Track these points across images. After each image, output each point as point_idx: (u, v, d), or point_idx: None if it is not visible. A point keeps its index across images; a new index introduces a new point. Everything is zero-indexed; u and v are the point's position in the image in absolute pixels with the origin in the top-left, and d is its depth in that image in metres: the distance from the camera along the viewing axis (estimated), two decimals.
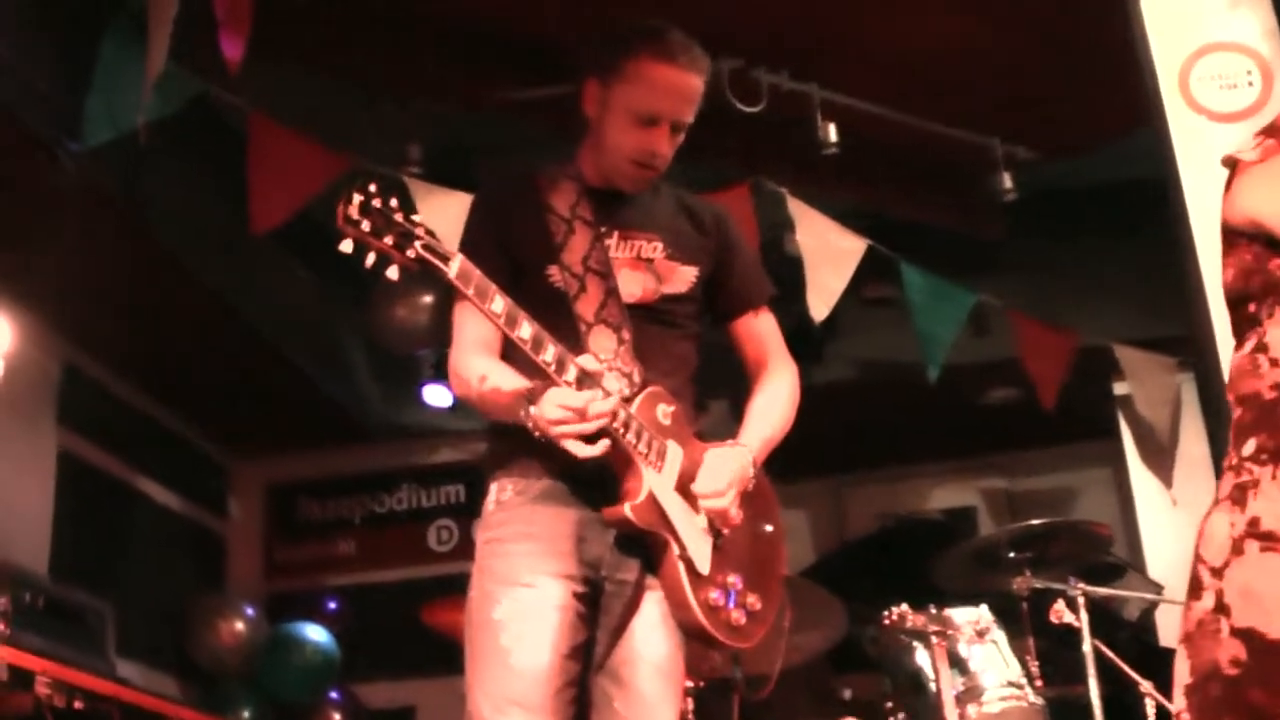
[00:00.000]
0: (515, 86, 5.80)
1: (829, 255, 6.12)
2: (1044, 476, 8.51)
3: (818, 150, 5.82)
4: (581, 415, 2.71)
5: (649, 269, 3.09)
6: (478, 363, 2.97)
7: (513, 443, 2.93)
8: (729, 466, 2.99)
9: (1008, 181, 6.23)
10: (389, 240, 2.54)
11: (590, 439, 2.75)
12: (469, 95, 5.92)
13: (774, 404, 3.22)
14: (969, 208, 6.72)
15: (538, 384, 2.78)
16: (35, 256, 5.53)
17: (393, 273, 2.56)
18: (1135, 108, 4.35)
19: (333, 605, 8.15)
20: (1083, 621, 4.55)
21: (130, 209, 5.71)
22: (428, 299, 6.69)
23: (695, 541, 2.91)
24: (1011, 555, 4.73)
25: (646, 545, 2.90)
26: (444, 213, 5.23)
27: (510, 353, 2.96)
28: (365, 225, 2.52)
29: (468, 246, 3.06)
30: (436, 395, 7.63)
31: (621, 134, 3.04)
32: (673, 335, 3.11)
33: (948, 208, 6.73)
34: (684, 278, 3.12)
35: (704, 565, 2.90)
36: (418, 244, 2.57)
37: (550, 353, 2.74)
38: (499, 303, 2.71)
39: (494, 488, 3.01)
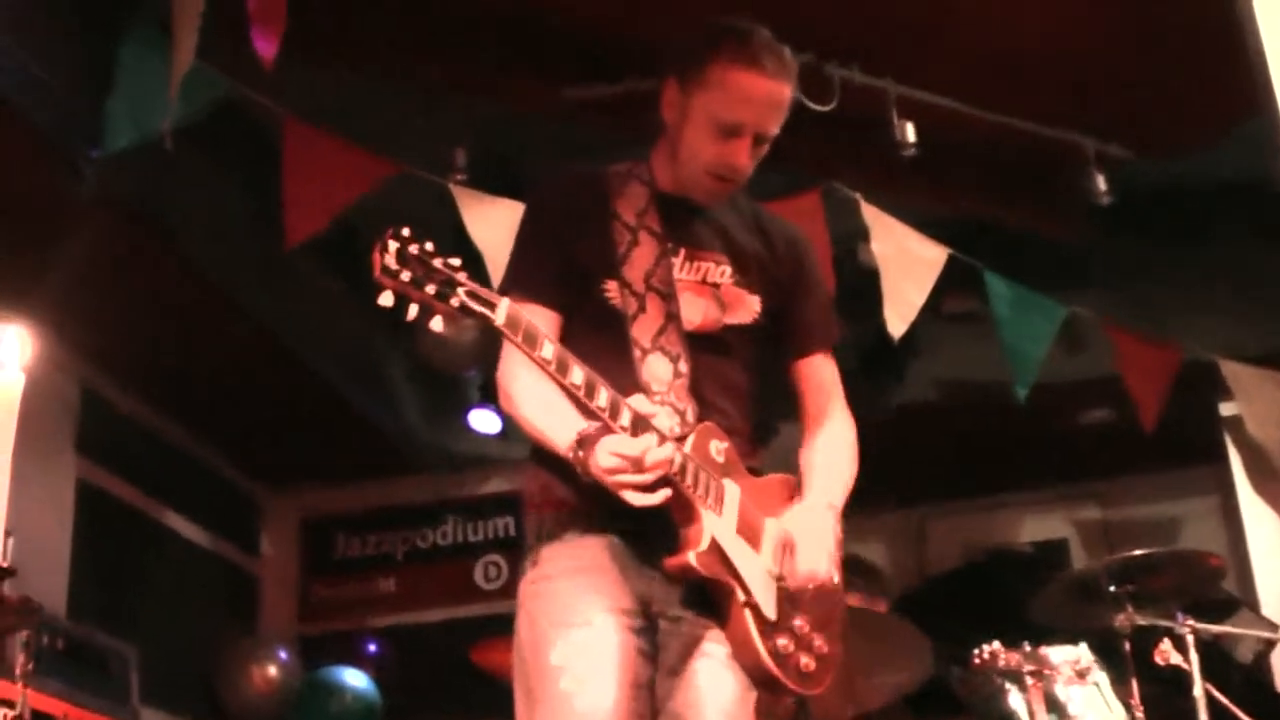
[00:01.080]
0: (570, 85, 5.80)
1: (907, 266, 6.08)
2: (1144, 506, 8.41)
3: (894, 151, 5.77)
4: (638, 465, 2.68)
5: (713, 295, 3.07)
6: (529, 391, 2.92)
7: (553, 472, 2.92)
8: (820, 538, 2.98)
9: (1101, 183, 6.15)
10: (431, 290, 2.50)
11: (649, 487, 2.73)
12: (520, 95, 5.92)
13: (839, 454, 3.19)
14: (1060, 212, 6.65)
15: (589, 431, 2.74)
16: (52, 272, 5.55)
17: (437, 324, 2.53)
18: (1241, 99, 4.29)
19: (373, 648, 8.16)
20: (1192, 663, 4.49)
21: (154, 220, 5.75)
22: None
23: (760, 586, 2.89)
24: (1112, 589, 4.67)
25: (708, 592, 2.88)
26: (491, 222, 5.25)
27: None
28: (405, 275, 2.47)
29: (522, 251, 3.07)
30: (484, 420, 7.63)
31: (700, 143, 3.02)
32: (732, 366, 3.09)
33: (1036, 212, 6.67)
34: (750, 307, 3.10)
35: (771, 610, 2.89)
36: (461, 291, 2.53)
37: (603, 397, 2.70)
38: (549, 349, 2.67)
39: (534, 523, 3.00)
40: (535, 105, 5.93)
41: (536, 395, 2.89)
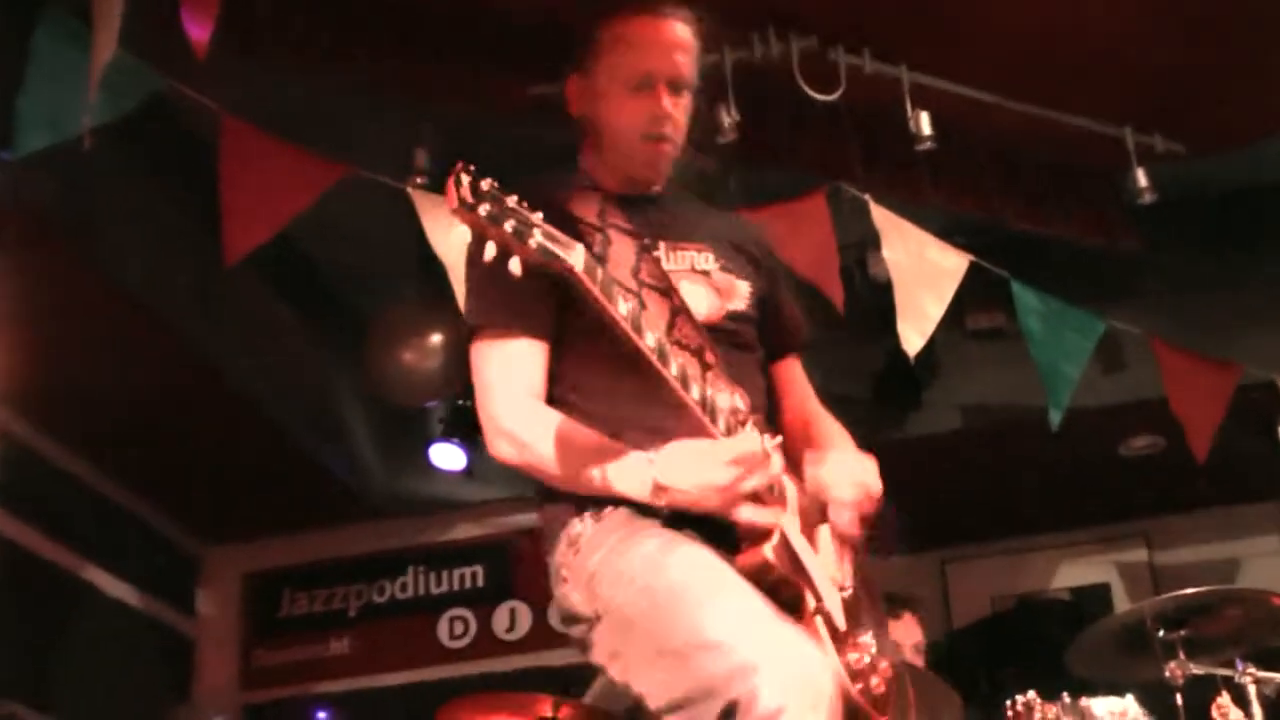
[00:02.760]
0: (540, 81, 5.80)
1: (924, 275, 6.09)
2: (1196, 547, 8.41)
3: (908, 147, 5.79)
4: (762, 465, 2.69)
5: (708, 282, 3.12)
6: (544, 427, 2.90)
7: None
8: (861, 469, 3.01)
9: (1144, 181, 6.16)
10: (509, 227, 2.52)
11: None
12: (486, 92, 5.92)
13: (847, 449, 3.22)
14: (1097, 214, 6.65)
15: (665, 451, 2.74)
16: None
17: (515, 266, 2.54)
18: None
19: (324, 717, 8.13)
20: (1254, 718, 4.47)
21: (74, 234, 5.73)
22: (437, 338, 6.67)
23: (829, 592, 2.89)
24: (1162, 634, 4.67)
25: (775, 597, 2.80)
26: (456, 229, 5.24)
27: (554, 391, 2.98)
28: (483, 210, 2.49)
29: (484, 276, 3.00)
30: (447, 456, 7.60)
31: (619, 111, 3.16)
32: (750, 360, 3.15)
33: (1071, 215, 6.65)
34: (741, 293, 3.18)
35: (841, 620, 2.89)
36: (537, 233, 2.55)
37: (696, 391, 2.73)
38: (624, 306, 2.69)
39: (577, 520, 2.93)
40: (502, 102, 5.92)
41: (557, 431, 2.88)
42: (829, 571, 2.92)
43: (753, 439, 2.72)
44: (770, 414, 3.17)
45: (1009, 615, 8.12)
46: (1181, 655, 4.62)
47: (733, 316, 3.12)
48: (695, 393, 2.73)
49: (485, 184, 2.51)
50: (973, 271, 6.15)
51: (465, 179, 2.50)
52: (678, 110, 3.15)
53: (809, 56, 5.62)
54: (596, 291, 2.64)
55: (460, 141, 6.00)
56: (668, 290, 3.01)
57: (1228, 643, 4.70)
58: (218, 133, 5.26)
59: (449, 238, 5.31)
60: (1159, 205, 6.21)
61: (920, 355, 6.09)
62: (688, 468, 2.71)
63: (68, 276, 5.86)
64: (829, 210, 5.86)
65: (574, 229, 2.98)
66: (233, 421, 7.06)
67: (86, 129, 4.79)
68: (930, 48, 5.80)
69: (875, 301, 6.12)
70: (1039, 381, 6.41)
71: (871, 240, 6.14)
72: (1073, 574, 8.59)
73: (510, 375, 2.96)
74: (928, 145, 5.74)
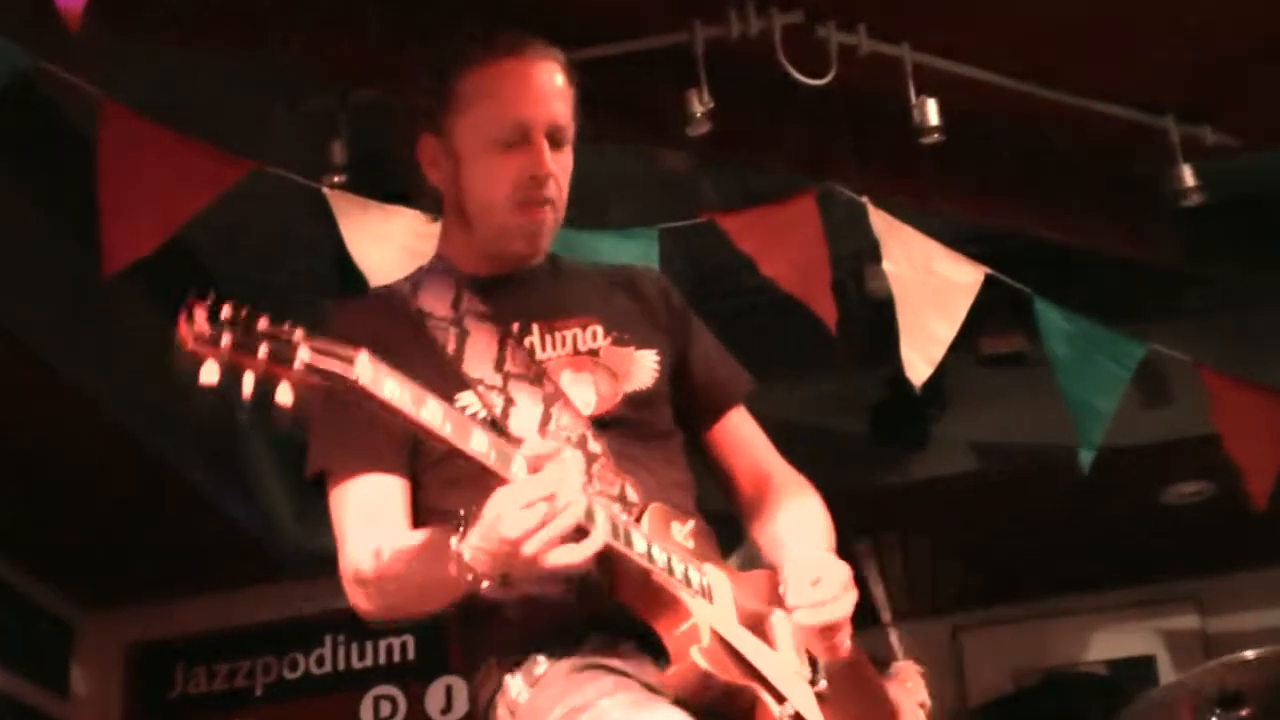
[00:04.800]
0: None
1: (931, 292, 6.08)
2: (1255, 611, 8.43)
3: (912, 140, 5.80)
4: (551, 502, 2.57)
5: (597, 365, 3.11)
6: (380, 549, 2.88)
7: (501, 619, 2.90)
8: (829, 570, 2.94)
9: (1189, 179, 6.17)
10: (264, 353, 2.41)
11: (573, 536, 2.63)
12: (411, 78, 5.91)
13: (813, 520, 3.22)
14: (1135, 219, 6.68)
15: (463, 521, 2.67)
16: None
17: (284, 396, 2.43)
18: None
19: None
20: None
21: None
22: None
23: (793, 689, 2.87)
24: (1218, 712, 4.67)
25: (726, 711, 2.81)
26: (377, 234, 5.26)
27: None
28: (226, 340, 2.39)
29: (334, 413, 2.89)
30: None
31: (488, 175, 3.10)
32: (657, 451, 3.13)
33: (1103, 220, 6.69)
34: (644, 366, 3.15)
35: (817, 718, 2.87)
36: (303, 350, 2.44)
37: (518, 463, 2.65)
38: (433, 408, 2.59)
39: (511, 680, 2.92)
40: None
41: (388, 551, 2.86)
42: (790, 664, 2.91)
43: (535, 482, 2.59)
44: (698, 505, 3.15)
45: (1035, 692, 8.13)
46: None
47: (632, 400, 3.10)
48: (518, 466, 2.65)
49: (225, 311, 2.40)
50: (988, 287, 6.13)
51: (199, 313, 2.39)
52: (559, 165, 3.12)
53: (795, 34, 5.63)
54: (382, 397, 2.52)
55: (383, 134, 6.06)
56: (538, 378, 3.03)
57: None
58: (97, 121, 5.25)
59: (368, 240, 5.32)
60: (1207, 208, 6.22)
61: (927, 385, 6.08)
62: (484, 529, 2.61)
63: None
64: (819, 215, 5.85)
65: (423, 331, 3.07)
66: (115, 465, 7.04)
67: None
68: (937, 23, 5.81)
69: (874, 322, 6.12)
70: (1066, 416, 6.41)
71: (869, 250, 6.14)
72: (1110, 644, 8.63)
73: (362, 521, 2.95)
74: (935, 138, 5.75)
